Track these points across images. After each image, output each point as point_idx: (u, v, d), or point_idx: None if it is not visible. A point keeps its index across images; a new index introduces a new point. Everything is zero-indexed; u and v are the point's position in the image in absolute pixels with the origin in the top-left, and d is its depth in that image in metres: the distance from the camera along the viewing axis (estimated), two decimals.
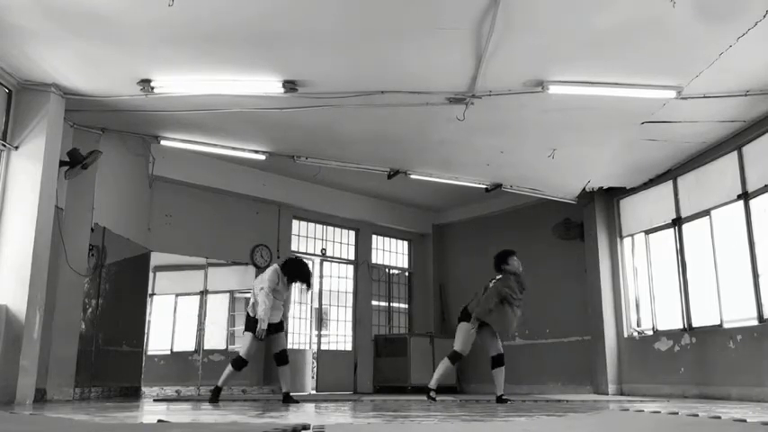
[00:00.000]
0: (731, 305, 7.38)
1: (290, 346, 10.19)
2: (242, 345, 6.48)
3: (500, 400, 6.41)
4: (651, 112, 6.75)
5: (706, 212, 7.87)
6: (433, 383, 6.67)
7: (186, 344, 10.12)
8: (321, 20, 5.17)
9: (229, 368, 6.36)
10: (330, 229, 11.43)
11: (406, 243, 12.53)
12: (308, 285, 6.72)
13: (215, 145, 8.11)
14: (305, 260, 6.91)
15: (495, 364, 6.57)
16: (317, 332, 11.04)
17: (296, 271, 6.48)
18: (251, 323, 6.31)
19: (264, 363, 9.42)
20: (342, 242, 11.59)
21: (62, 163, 6.60)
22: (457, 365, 6.91)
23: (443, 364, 6.68)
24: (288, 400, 6.41)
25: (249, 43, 5.53)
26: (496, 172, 9.06)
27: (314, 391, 10.54)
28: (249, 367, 8.52)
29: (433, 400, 6.56)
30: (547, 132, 7.49)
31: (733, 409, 4.93)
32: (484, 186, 9.53)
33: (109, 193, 7.64)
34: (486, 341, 6.62)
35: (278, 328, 6.47)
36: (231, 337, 10.15)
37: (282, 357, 6.48)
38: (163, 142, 7.94)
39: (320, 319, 11.25)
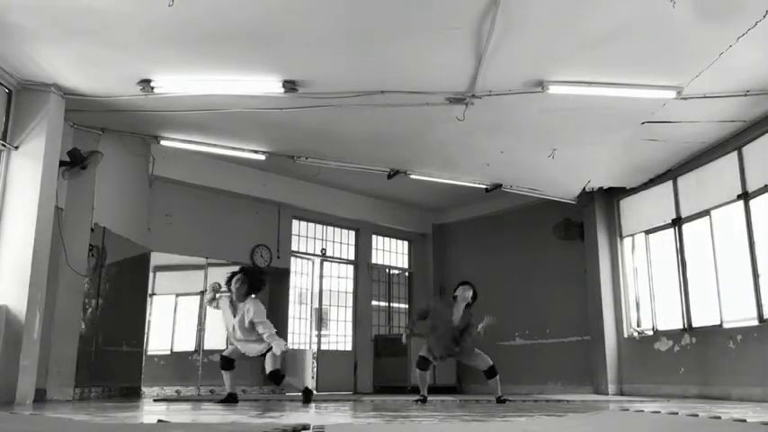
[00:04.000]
0: (731, 305, 7.38)
1: (290, 346, 10.19)
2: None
3: (500, 400, 6.43)
4: (651, 112, 6.75)
5: (706, 212, 7.87)
6: (422, 392, 6.74)
7: (186, 344, 10.12)
8: (321, 20, 5.17)
9: (223, 371, 6.52)
10: (330, 229, 11.42)
11: (405, 243, 12.52)
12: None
13: (215, 145, 8.11)
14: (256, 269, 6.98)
15: (488, 376, 6.67)
16: (316, 332, 11.04)
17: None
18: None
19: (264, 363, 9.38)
20: (342, 242, 11.59)
21: (62, 163, 6.59)
22: (430, 368, 7.01)
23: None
24: (308, 395, 6.40)
25: (249, 43, 5.53)
26: (496, 172, 9.05)
27: (314, 392, 10.51)
28: (249, 368, 8.50)
29: (422, 400, 6.56)
30: (547, 132, 7.49)
31: (733, 409, 4.93)
32: (484, 186, 9.53)
33: (109, 193, 7.63)
34: (470, 358, 6.75)
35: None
36: None
37: (276, 378, 6.34)
38: (163, 142, 7.94)
39: (320, 319, 11.24)
